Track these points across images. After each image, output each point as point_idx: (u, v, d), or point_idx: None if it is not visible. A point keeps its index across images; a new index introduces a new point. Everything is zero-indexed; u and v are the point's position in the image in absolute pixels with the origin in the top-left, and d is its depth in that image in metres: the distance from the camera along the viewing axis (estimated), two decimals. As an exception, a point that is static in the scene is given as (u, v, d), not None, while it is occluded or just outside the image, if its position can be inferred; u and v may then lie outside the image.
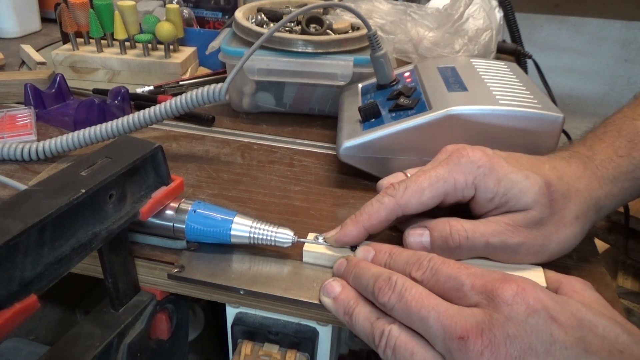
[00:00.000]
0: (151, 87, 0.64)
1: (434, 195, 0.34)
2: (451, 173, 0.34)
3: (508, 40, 0.87)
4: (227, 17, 0.79)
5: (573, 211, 0.34)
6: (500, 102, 0.43)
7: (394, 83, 0.52)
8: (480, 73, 0.49)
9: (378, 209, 0.34)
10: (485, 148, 0.35)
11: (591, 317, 0.26)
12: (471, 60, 0.53)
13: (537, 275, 0.34)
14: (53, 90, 0.58)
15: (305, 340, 0.37)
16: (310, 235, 0.37)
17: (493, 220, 0.34)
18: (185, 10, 0.75)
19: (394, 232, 0.39)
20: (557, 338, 0.25)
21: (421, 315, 0.27)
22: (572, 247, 0.35)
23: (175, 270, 0.35)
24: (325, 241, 0.36)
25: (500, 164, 0.34)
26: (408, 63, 0.59)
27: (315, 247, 0.36)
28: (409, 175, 0.37)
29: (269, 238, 0.35)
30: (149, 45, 0.68)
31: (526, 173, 0.33)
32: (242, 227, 0.35)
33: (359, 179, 0.48)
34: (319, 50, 0.54)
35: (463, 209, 0.36)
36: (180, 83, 0.65)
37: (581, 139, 0.40)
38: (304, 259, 0.37)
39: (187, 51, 0.70)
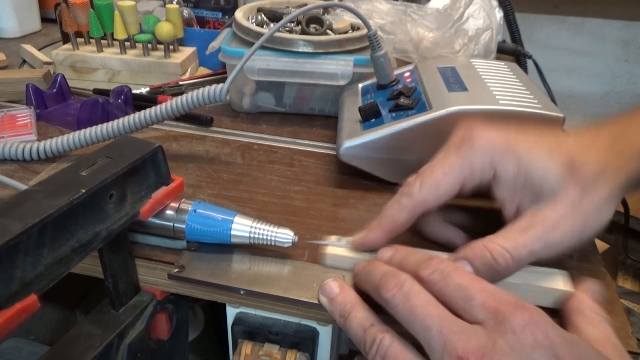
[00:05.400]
0: (147, 88, 0.64)
1: (451, 185, 0.32)
2: (466, 159, 0.32)
3: (508, 40, 0.87)
4: (227, 17, 0.79)
5: (606, 185, 0.31)
6: (500, 102, 0.43)
7: (394, 83, 0.52)
8: (480, 73, 0.49)
9: (399, 210, 0.33)
10: (500, 127, 0.33)
11: (593, 354, 0.25)
12: (471, 60, 0.53)
13: (564, 280, 0.33)
14: (54, 90, 0.58)
15: (305, 340, 0.37)
16: (332, 237, 0.37)
17: (526, 223, 0.31)
18: (185, 11, 0.75)
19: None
20: None
21: (425, 323, 0.26)
22: (608, 222, 0.32)
23: (176, 270, 0.35)
24: (348, 244, 0.36)
25: (517, 139, 0.32)
26: (408, 63, 0.59)
27: (338, 251, 0.36)
28: None
29: (269, 238, 0.35)
30: (149, 45, 0.68)
31: (549, 149, 0.32)
32: (242, 227, 0.35)
33: (359, 179, 0.48)
34: (319, 50, 0.54)
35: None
36: (180, 83, 0.65)
37: (611, 117, 0.36)
38: (328, 262, 0.36)
39: (187, 51, 0.70)
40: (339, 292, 0.32)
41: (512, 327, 0.25)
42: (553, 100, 0.74)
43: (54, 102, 0.58)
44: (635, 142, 0.33)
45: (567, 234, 0.31)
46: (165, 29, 0.64)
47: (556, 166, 0.31)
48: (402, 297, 0.28)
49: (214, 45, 0.58)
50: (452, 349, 0.25)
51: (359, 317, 0.30)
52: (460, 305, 0.27)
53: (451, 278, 0.28)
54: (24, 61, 0.74)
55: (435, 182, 0.32)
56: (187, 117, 0.58)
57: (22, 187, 0.42)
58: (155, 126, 0.51)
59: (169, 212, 0.36)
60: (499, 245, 0.30)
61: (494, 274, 0.31)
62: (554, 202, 0.31)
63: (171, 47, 0.68)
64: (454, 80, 0.48)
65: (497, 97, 0.44)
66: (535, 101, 0.44)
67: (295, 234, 0.35)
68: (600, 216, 0.31)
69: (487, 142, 0.32)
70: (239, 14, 0.59)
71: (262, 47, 0.52)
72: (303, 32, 0.57)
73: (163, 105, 0.46)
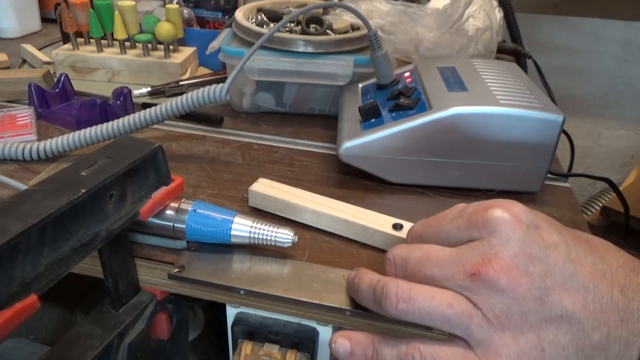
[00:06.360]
0: (148, 88, 0.63)
1: None
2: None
3: (508, 40, 0.87)
4: (227, 17, 0.79)
5: None
6: (500, 102, 0.43)
7: (394, 83, 0.52)
8: (480, 73, 0.49)
9: None
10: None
11: (551, 218, 0.29)
12: (471, 60, 0.53)
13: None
14: (57, 90, 0.58)
15: (305, 340, 0.37)
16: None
17: None
18: (185, 11, 0.75)
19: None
20: (547, 240, 0.27)
21: (428, 274, 0.28)
22: None
23: (176, 270, 0.35)
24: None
25: None
26: (408, 63, 0.59)
27: (260, 188, 0.41)
28: None
29: (269, 238, 0.35)
30: (149, 45, 0.68)
31: None
32: (242, 227, 0.35)
33: (359, 179, 0.48)
34: (319, 51, 0.54)
35: None
36: (180, 83, 0.65)
37: None
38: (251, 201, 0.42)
39: (187, 51, 0.70)
40: (354, 274, 0.32)
41: (496, 222, 0.27)
42: (553, 100, 0.74)
43: (56, 101, 0.58)
44: None
45: None
46: (165, 29, 0.64)
47: None
48: (401, 268, 0.29)
49: (214, 45, 0.58)
50: (462, 274, 0.26)
51: (366, 280, 0.30)
52: (449, 242, 0.29)
53: (426, 236, 0.31)
54: (24, 61, 0.74)
55: None
56: (196, 116, 0.58)
57: (22, 187, 0.42)
58: (155, 126, 0.51)
59: (169, 212, 0.36)
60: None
61: None
62: None
63: (171, 47, 0.68)
64: (454, 80, 0.48)
65: (497, 97, 0.44)
66: (536, 101, 0.44)
67: (295, 234, 0.35)
68: None
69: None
70: (239, 14, 0.59)
71: (262, 47, 0.52)
72: (303, 32, 0.57)
73: (163, 105, 0.46)
